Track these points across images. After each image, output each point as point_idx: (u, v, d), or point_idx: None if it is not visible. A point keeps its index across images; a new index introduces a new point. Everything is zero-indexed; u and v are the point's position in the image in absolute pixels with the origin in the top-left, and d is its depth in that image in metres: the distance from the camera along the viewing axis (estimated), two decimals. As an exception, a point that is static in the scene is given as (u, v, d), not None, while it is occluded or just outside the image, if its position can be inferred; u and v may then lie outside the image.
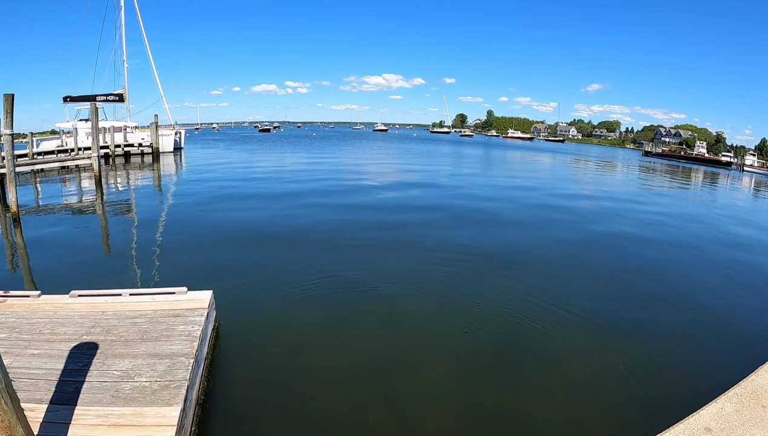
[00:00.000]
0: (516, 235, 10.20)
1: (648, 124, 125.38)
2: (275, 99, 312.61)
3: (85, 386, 3.21)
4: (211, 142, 52.88)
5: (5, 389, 2.04)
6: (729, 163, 52.46)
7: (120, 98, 32.61)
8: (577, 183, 24.78)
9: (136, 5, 32.60)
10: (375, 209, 12.64)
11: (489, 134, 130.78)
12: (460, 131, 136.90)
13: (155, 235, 9.51)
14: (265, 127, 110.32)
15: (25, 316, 4.31)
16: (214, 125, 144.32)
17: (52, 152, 22.66)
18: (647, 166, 44.12)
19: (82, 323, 4.17)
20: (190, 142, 43.92)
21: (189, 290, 4.85)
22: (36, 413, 2.84)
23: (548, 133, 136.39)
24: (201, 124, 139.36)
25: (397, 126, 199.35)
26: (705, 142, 76.69)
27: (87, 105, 26.85)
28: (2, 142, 10.65)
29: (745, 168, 48.23)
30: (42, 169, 19.34)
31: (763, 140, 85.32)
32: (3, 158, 12.04)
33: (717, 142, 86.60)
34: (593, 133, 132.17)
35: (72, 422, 2.84)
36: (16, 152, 10.79)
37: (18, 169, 11.32)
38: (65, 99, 32.03)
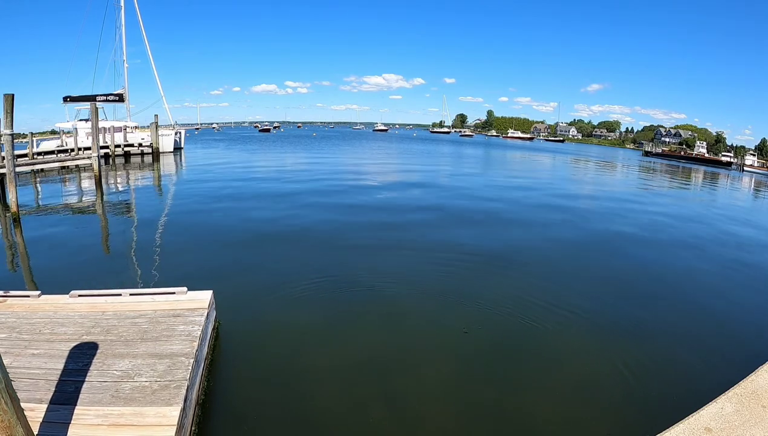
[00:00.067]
0: (516, 235, 10.20)
1: (648, 124, 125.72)
2: (275, 99, 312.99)
3: (85, 385, 3.21)
4: (211, 142, 52.88)
5: (5, 389, 2.04)
6: (729, 164, 52.46)
7: (120, 98, 32.61)
8: (577, 183, 24.78)
9: (136, 5, 32.66)
10: (375, 209, 12.64)
11: (489, 134, 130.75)
12: (460, 131, 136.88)
13: (155, 235, 9.51)
14: (265, 127, 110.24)
15: (25, 316, 4.31)
16: (214, 125, 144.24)
17: (52, 152, 22.67)
18: (647, 166, 44.11)
19: (82, 323, 4.17)
20: (190, 142, 43.91)
21: (189, 290, 4.86)
22: (36, 413, 2.85)
23: (548, 133, 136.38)
24: (201, 124, 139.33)
25: (397, 126, 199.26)
26: (705, 142, 76.69)
27: (87, 105, 26.88)
28: (2, 142, 10.65)
29: (745, 168, 48.23)
30: (42, 169, 19.34)
31: (763, 140, 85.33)
32: (3, 158, 12.05)
33: (717, 142, 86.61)
34: (593, 133, 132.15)
35: (72, 421, 2.85)
36: (16, 152, 10.79)
37: (18, 169, 11.33)
38: (65, 99, 32.04)
